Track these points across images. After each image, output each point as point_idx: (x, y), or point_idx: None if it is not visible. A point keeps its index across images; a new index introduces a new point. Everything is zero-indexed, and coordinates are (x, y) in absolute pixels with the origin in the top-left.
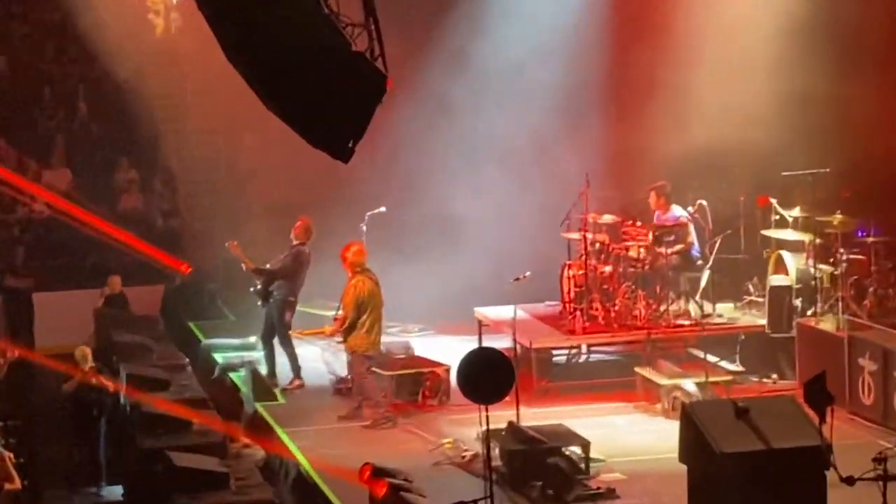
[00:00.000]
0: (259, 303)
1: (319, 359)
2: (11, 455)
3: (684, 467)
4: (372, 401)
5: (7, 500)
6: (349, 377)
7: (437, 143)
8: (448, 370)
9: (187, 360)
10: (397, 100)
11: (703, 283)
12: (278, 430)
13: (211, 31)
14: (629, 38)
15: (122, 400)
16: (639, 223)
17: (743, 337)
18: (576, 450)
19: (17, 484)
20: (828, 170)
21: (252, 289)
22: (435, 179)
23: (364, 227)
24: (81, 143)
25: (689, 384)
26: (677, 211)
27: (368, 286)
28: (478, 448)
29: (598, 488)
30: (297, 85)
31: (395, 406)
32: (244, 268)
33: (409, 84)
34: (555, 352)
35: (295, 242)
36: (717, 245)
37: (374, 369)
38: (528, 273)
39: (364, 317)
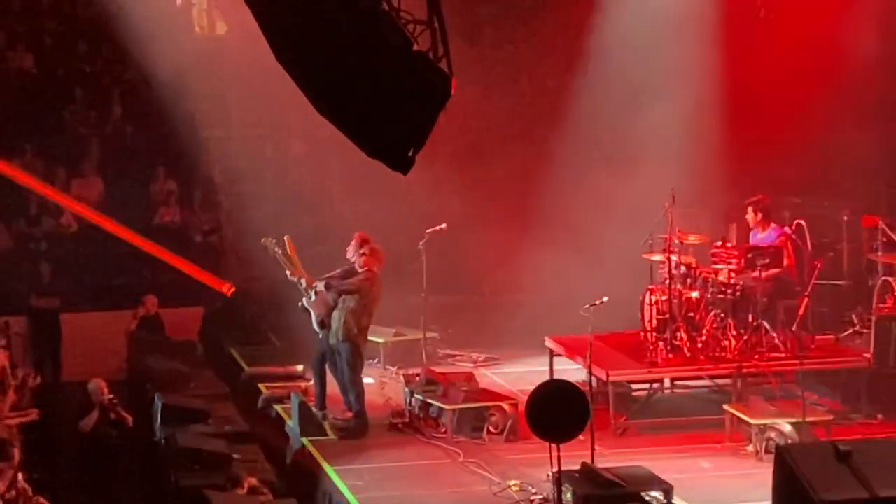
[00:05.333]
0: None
1: (375, 392)
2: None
3: None
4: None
5: None
6: (406, 410)
7: (511, 155)
8: (515, 404)
9: (228, 389)
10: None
11: (800, 312)
12: (327, 468)
13: (259, 28)
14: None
15: (157, 433)
16: (730, 244)
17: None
18: (657, 495)
19: None
20: None
21: (300, 304)
22: (501, 196)
23: (422, 247)
24: (115, 151)
25: (785, 424)
26: (776, 230)
27: (378, 288)
28: (547, 491)
29: None
30: (352, 88)
31: (458, 443)
32: (295, 278)
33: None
34: (634, 386)
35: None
36: (817, 270)
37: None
38: (604, 298)
39: (350, 302)
